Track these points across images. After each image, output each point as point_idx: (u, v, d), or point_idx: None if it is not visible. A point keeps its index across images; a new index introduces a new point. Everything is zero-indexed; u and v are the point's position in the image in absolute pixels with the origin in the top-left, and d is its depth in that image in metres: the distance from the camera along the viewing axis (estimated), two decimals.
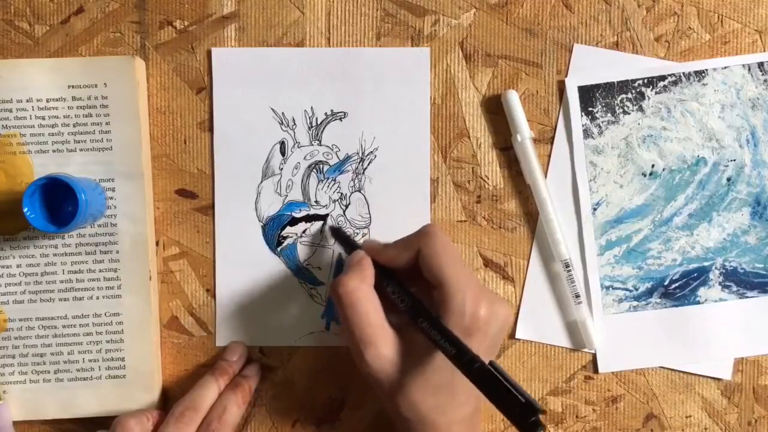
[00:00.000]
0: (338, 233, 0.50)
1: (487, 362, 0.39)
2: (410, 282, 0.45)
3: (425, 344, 0.42)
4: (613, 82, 0.51)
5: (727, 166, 0.51)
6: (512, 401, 0.37)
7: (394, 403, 0.42)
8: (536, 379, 0.52)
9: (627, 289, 0.51)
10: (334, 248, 0.51)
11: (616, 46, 0.51)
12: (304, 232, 0.51)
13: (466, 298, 0.41)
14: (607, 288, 0.51)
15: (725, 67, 0.51)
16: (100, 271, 0.49)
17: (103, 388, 0.49)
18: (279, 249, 0.51)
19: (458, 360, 0.39)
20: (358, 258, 0.45)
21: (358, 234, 0.51)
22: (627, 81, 0.51)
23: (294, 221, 0.51)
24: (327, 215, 0.51)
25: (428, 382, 0.42)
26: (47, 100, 0.49)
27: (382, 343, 0.42)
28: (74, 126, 0.49)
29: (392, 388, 0.42)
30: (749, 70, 0.51)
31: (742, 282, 0.51)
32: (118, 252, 0.49)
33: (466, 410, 0.43)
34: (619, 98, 0.51)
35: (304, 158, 0.51)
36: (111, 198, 0.49)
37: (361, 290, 0.43)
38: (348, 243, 0.48)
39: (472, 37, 0.51)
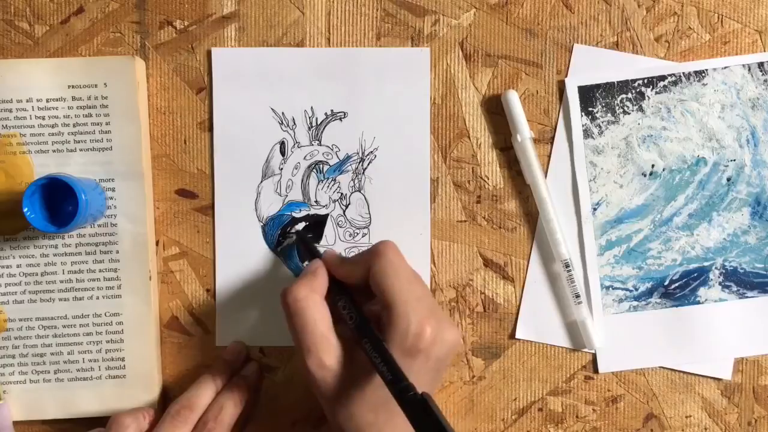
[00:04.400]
0: (302, 239, 0.50)
1: (427, 389, 0.39)
2: (366, 298, 0.45)
3: (368, 361, 0.42)
4: (613, 82, 0.51)
5: (727, 166, 0.51)
6: None
7: (334, 414, 0.42)
8: (536, 379, 0.52)
9: (627, 289, 0.51)
10: (334, 248, 0.51)
11: (616, 46, 0.51)
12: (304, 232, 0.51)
13: (411, 320, 0.41)
14: (607, 288, 0.51)
15: (725, 67, 0.51)
16: (100, 271, 0.49)
17: (103, 388, 0.49)
18: (279, 249, 0.51)
19: (392, 386, 0.39)
20: (314, 267, 0.46)
21: (358, 234, 0.51)
22: (627, 81, 0.51)
23: (294, 221, 0.51)
24: (327, 215, 0.51)
25: (368, 399, 0.42)
26: (47, 100, 0.49)
27: (324, 353, 0.42)
28: (74, 126, 0.49)
29: (333, 398, 0.42)
30: (749, 70, 0.51)
31: (742, 282, 0.51)
32: (118, 252, 0.49)
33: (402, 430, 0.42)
34: (619, 98, 0.51)
35: (304, 158, 0.51)
36: (111, 198, 0.49)
37: (310, 299, 0.43)
38: (309, 251, 0.49)
39: (472, 37, 0.51)
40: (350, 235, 0.51)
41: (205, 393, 0.47)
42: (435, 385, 0.44)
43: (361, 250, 0.51)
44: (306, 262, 0.50)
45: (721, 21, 0.51)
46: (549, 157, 0.51)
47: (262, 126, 0.51)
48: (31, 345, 0.49)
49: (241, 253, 0.51)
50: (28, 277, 0.49)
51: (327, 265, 0.46)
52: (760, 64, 0.51)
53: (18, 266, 0.49)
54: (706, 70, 0.51)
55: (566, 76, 0.51)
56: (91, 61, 0.49)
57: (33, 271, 0.49)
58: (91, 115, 0.49)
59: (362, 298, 0.45)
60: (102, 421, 0.51)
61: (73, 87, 0.49)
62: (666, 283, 0.51)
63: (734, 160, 0.51)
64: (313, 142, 0.51)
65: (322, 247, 0.51)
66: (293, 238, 0.51)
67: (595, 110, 0.51)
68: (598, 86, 0.51)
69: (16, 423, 0.50)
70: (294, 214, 0.51)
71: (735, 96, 0.51)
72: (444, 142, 0.51)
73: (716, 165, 0.51)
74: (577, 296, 0.50)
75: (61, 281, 0.49)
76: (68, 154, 0.49)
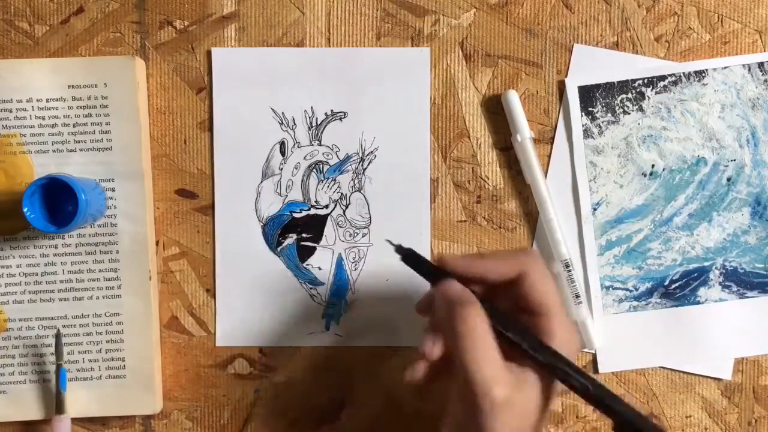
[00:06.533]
0: (412, 258, 0.42)
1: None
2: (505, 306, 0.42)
3: (533, 381, 0.39)
4: (613, 82, 0.51)
5: (727, 166, 0.51)
6: None
7: None
8: None
9: (627, 289, 0.51)
10: (334, 248, 0.51)
11: (616, 46, 0.51)
12: (304, 232, 0.51)
13: (572, 329, 0.40)
14: (607, 288, 0.51)
15: (725, 67, 0.51)
16: (100, 271, 0.49)
17: (103, 388, 0.49)
18: (279, 249, 0.51)
19: (597, 399, 0.38)
20: (459, 292, 0.40)
21: (358, 234, 0.51)
22: (627, 81, 0.51)
23: (294, 221, 0.51)
24: (327, 216, 0.51)
25: (524, 414, 0.38)
26: (47, 100, 0.49)
27: (505, 385, 0.37)
28: (74, 126, 0.49)
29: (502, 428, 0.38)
30: (749, 70, 0.51)
31: (742, 282, 0.51)
32: (118, 252, 0.49)
33: None
34: (619, 98, 0.51)
35: (304, 158, 0.51)
36: (111, 198, 0.49)
37: (483, 320, 0.38)
38: (425, 269, 0.42)
39: (472, 37, 0.51)
40: (350, 235, 0.51)
41: None
42: None
43: (359, 249, 0.51)
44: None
45: (721, 21, 0.51)
46: (549, 157, 0.51)
47: (262, 126, 0.51)
48: (31, 345, 0.49)
49: (241, 253, 0.51)
50: (28, 277, 0.49)
51: (459, 269, 0.41)
52: (760, 64, 0.51)
53: (18, 266, 0.49)
54: (706, 70, 0.51)
55: (566, 76, 0.51)
56: (91, 61, 0.49)
57: (33, 271, 0.49)
58: (91, 115, 0.49)
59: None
60: (102, 421, 0.51)
61: (73, 87, 0.49)
62: (666, 283, 0.51)
63: (734, 160, 0.51)
64: (313, 142, 0.51)
65: (322, 247, 0.51)
66: (400, 256, 0.43)
67: (595, 110, 0.51)
68: (598, 86, 0.51)
69: (14, 423, 0.50)
70: (294, 214, 0.51)
71: (735, 96, 0.51)
72: (444, 142, 0.51)
73: (716, 165, 0.51)
74: (577, 296, 0.50)
75: (61, 281, 0.49)
76: (68, 154, 0.49)
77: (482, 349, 0.38)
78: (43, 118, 0.49)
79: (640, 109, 0.51)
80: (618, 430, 0.37)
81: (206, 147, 0.51)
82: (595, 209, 0.51)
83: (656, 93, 0.51)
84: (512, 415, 0.37)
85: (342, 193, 0.51)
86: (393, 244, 0.42)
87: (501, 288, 0.41)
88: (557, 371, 0.38)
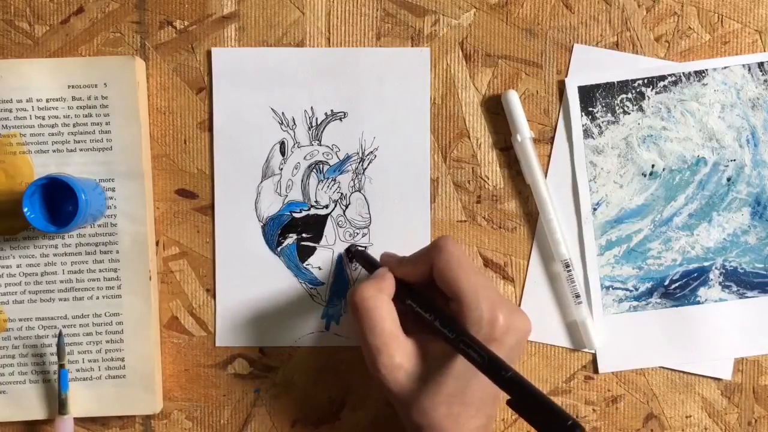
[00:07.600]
0: (360, 255, 0.50)
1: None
2: (431, 294, 0.45)
3: (440, 354, 0.42)
4: (613, 82, 0.51)
5: (727, 166, 0.51)
6: (546, 410, 0.36)
7: (408, 412, 0.42)
8: (536, 379, 0.52)
9: (627, 289, 0.51)
10: (334, 248, 0.51)
11: (616, 46, 0.51)
12: (304, 232, 0.51)
13: (483, 310, 0.41)
14: (607, 288, 0.51)
15: (725, 67, 0.51)
16: (100, 271, 0.49)
17: (103, 388, 0.49)
18: (279, 249, 0.51)
19: (490, 370, 0.39)
20: (380, 271, 0.45)
21: (358, 234, 0.51)
22: (627, 81, 0.51)
23: (294, 221, 0.51)
24: (327, 216, 0.51)
25: (441, 392, 0.42)
26: (47, 100, 0.49)
27: (395, 352, 0.42)
28: (74, 126, 0.49)
29: (406, 396, 0.42)
30: (749, 70, 0.51)
31: (742, 282, 0.51)
32: (118, 252, 0.49)
33: (478, 422, 0.42)
34: (619, 98, 0.51)
35: (304, 158, 0.51)
36: (111, 198, 0.49)
37: (377, 298, 0.43)
38: (369, 262, 0.48)
39: (472, 37, 0.51)
40: (350, 235, 0.51)
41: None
42: None
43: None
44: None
45: (721, 21, 0.51)
46: (549, 157, 0.51)
47: (262, 126, 0.51)
48: (31, 345, 0.49)
49: (241, 253, 0.51)
50: (28, 277, 0.49)
51: (388, 267, 0.46)
52: (760, 64, 0.51)
53: (18, 266, 0.49)
54: (706, 70, 0.51)
55: (566, 76, 0.51)
56: (91, 61, 0.49)
57: (33, 271, 0.49)
58: (91, 115, 0.49)
59: (428, 295, 0.45)
60: (102, 421, 0.51)
61: (73, 87, 0.49)
62: (666, 283, 0.51)
63: (734, 160, 0.51)
64: (313, 142, 0.51)
65: (322, 247, 0.51)
66: (350, 255, 0.51)
67: (595, 110, 0.51)
68: (598, 86, 0.51)
69: (13, 423, 0.50)
70: (294, 214, 0.51)
71: (735, 96, 0.51)
72: (444, 142, 0.51)
73: (716, 165, 0.51)
74: (577, 296, 0.50)
75: (61, 281, 0.49)
76: (68, 154, 0.49)
77: (376, 326, 0.42)
78: (43, 118, 0.49)
79: (640, 109, 0.51)
80: (511, 404, 0.37)
81: (206, 147, 0.51)
82: (595, 209, 0.51)
83: (656, 93, 0.51)
84: (406, 378, 0.42)
85: (342, 193, 0.51)
86: (355, 251, 0.50)
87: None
88: (453, 343, 0.41)
